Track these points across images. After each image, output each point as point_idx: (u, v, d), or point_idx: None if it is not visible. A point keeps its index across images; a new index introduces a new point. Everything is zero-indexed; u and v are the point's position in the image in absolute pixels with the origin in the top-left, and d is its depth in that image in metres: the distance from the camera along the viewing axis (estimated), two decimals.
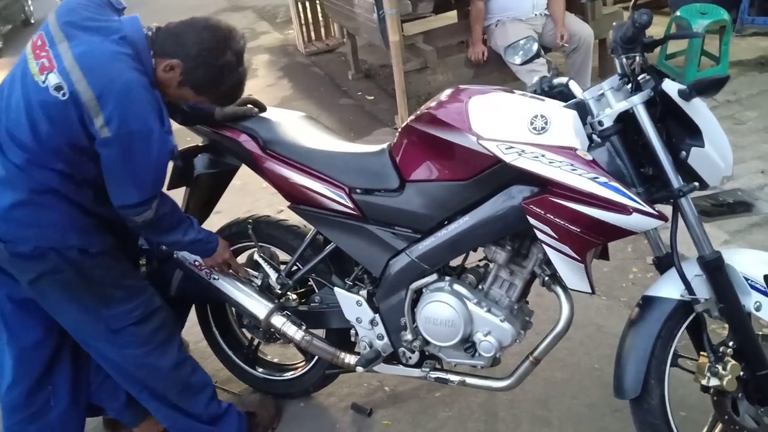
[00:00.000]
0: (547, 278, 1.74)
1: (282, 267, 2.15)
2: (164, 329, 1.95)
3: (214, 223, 2.23)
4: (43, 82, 1.59)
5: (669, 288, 1.63)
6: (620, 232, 1.52)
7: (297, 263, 2.11)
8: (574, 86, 1.65)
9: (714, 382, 1.59)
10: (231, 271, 2.09)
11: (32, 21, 11.57)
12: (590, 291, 1.63)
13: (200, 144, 2.16)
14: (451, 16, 5.17)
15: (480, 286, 1.83)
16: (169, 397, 2.00)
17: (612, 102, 1.54)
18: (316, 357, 2.22)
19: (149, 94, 1.62)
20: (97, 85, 1.55)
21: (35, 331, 1.90)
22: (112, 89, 1.56)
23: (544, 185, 1.55)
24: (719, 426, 1.71)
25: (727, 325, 1.63)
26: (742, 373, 1.61)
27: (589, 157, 1.50)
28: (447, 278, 1.83)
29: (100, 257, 1.78)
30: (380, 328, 1.96)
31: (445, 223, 1.76)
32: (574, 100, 1.62)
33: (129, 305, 1.85)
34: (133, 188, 1.68)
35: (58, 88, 1.57)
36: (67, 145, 1.62)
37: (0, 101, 1.70)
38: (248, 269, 2.16)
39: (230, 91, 1.79)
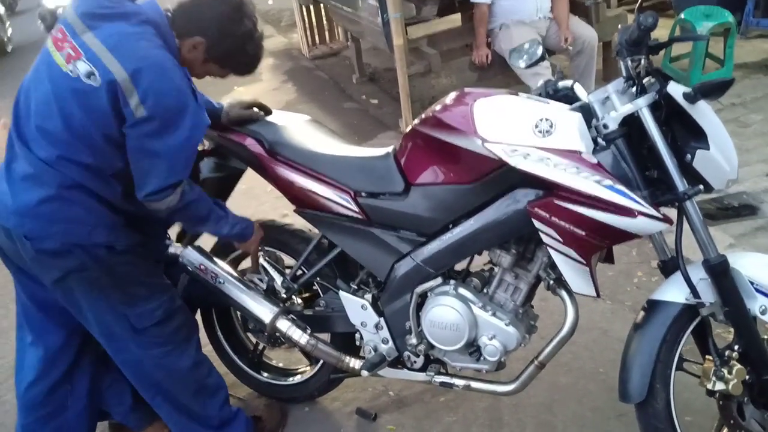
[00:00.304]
0: (552, 282, 1.73)
1: (287, 271, 2.16)
2: (184, 329, 1.95)
3: None
4: (72, 71, 1.60)
5: (674, 292, 1.63)
6: (625, 236, 1.51)
7: (302, 267, 2.11)
8: (578, 89, 1.65)
9: (719, 386, 1.59)
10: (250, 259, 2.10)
11: (9, 49, 10.08)
12: (595, 294, 1.62)
13: (206, 148, 2.16)
14: (455, 20, 5.18)
15: (485, 290, 1.83)
16: (183, 401, 2.00)
17: (617, 105, 1.54)
18: (321, 361, 2.22)
19: (180, 70, 1.64)
20: (129, 64, 1.56)
21: (59, 334, 1.91)
22: (144, 66, 1.57)
23: (549, 188, 1.55)
24: (725, 430, 1.70)
25: (732, 329, 1.62)
26: (747, 377, 1.60)
27: (594, 160, 1.50)
28: (452, 282, 1.83)
29: (126, 255, 1.78)
30: (385, 332, 1.95)
31: (450, 226, 1.76)
32: (578, 103, 1.62)
33: (152, 304, 1.85)
34: (162, 171, 1.66)
35: (89, 74, 1.58)
36: (99, 134, 1.63)
37: (25, 101, 1.71)
38: (254, 273, 2.16)
39: (253, 59, 1.80)
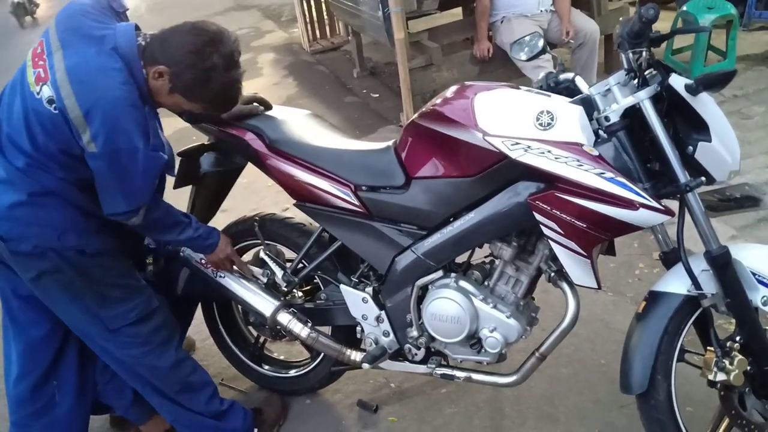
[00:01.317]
0: (553, 274, 1.73)
1: (288, 264, 2.16)
2: (163, 330, 1.96)
3: (220, 221, 2.24)
4: (38, 93, 1.61)
5: (676, 283, 1.63)
6: (627, 228, 1.51)
7: (303, 261, 2.12)
8: (580, 82, 1.65)
9: (721, 377, 1.59)
10: (235, 267, 2.09)
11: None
12: (596, 286, 1.62)
13: (206, 142, 2.16)
14: (456, 13, 5.17)
15: (486, 283, 1.83)
16: (170, 395, 2.02)
17: (618, 97, 1.54)
18: (322, 354, 2.23)
19: (136, 111, 1.62)
20: (85, 103, 1.56)
21: (42, 326, 1.92)
22: (98, 107, 1.56)
23: (550, 181, 1.54)
24: (726, 421, 1.71)
25: (734, 320, 1.62)
26: (749, 368, 1.61)
27: (596, 153, 1.50)
28: (453, 275, 1.83)
29: (99, 257, 1.79)
30: (386, 325, 1.96)
31: (451, 219, 1.76)
32: (580, 95, 1.62)
33: (127, 305, 1.86)
34: (120, 198, 1.69)
35: (50, 101, 1.59)
36: (62, 153, 1.64)
37: (1, 105, 1.73)
38: (254, 267, 2.16)
39: (220, 96, 1.73)
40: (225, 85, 1.70)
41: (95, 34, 1.64)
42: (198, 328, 2.47)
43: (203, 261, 2.08)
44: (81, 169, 1.66)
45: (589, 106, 1.58)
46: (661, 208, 1.46)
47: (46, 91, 1.59)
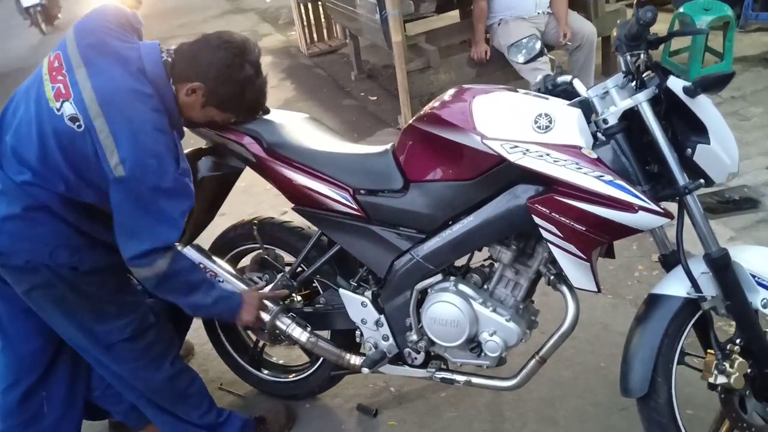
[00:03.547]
0: (552, 277, 1.73)
1: (287, 268, 2.15)
2: (158, 344, 1.93)
3: (218, 225, 2.23)
4: (58, 109, 1.57)
5: (675, 286, 1.63)
6: (626, 231, 1.51)
7: (302, 265, 2.11)
8: (578, 84, 1.64)
9: (721, 379, 1.59)
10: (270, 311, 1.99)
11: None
12: (596, 289, 1.62)
13: (204, 146, 2.15)
14: (453, 16, 5.16)
15: (485, 286, 1.83)
16: (165, 406, 2.00)
17: (616, 100, 1.54)
18: (322, 358, 2.22)
19: (166, 137, 1.61)
20: (115, 124, 1.54)
21: (34, 340, 1.89)
22: (129, 129, 1.54)
23: (549, 184, 1.54)
24: (727, 424, 1.70)
25: (734, 323, 1.62)
26: (749, 371, 1.60)
27: (594, 156, 1.50)
28: (452, 278, 1.83)
29: (92, 275, 1.76)
30: (385, 329, 1.95)
31: (450, 223, 1.76)
32: (578, 98, 1.62)
33: (121, 321, 1.83)
34: (145, 234, 1.62)
35: (74, 119, 1.56)
36: (74, 174, 1.61)
37: (6, 114, 1.69)
38: (253, 271, 2.15)
39: (253, 104, 1.79)
40: (258, 94, 1.76)
41: (120, 53, 1.61)
42: (197, 332, 2.46)
43: (201, 265, 2.07)
44: (84, 191, 1.64)
45: (587, 108, 1.58)
46: (660, 210, 1.46)
47: (69, 109, 1.56)
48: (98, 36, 1.63)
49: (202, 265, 2.07)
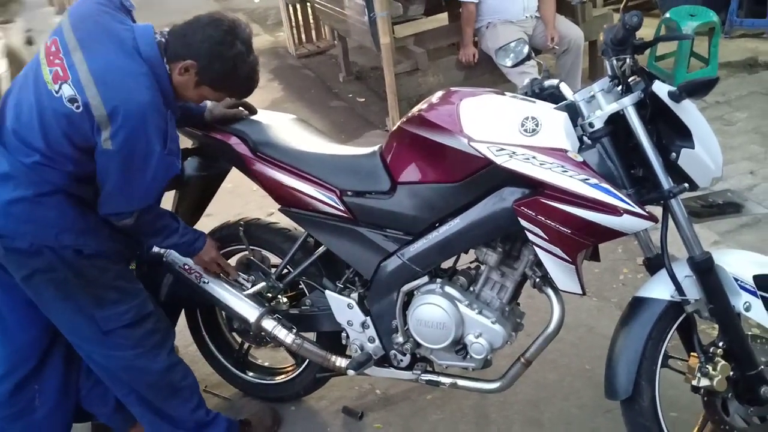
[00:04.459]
0: (538, 280, 1.74)
1: (273, 270, 2.14)
2: (156, 333, 1.93)
3: (204, 225, 2.21)
4: (57, 91, 1.60)
5: (659, 289, 1.64)
6: (611, 234, 1.52)
7: (288, 266, 2.10)
8: (564, 88, 1.65)
9: (704, 382, 1.60)
10: (221, 270, 2.08)
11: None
12: (581, 292, 1.63)
13: (190, 146, 2.14)
14: (441, 19, 5.17)
15: (471, 288, 1.83)
16: (155, 402, 1.99)
17: (602, 104, 1.55)
18: (307, 360, 2.21)
19: (159, 116, 1.63)
20: (110, 102, 1.56)
21: (29, 331, 1.89)
22: (122, 107, 1.57)
23: (535, 187, 1.55)
24: (710, 426, 1.72)
25: (717, 326, 1.63)
26: (732, 374, 1.61)
27: (580, 159, 1.51)
28: (438, 280, 1.83)
29: (96, 258, 1.78)
30: (371, 331, 1.95)
31: (437, 225, 1.76)
32: (564, 102, 1.62)
33: (121, 307, 1.84)
34: (122, 199, 1.70)
35: (72, 100, 1.58)
36: (76, 148, 1.64)
37: (7, 100, 1.71)
38: (239, 272, 2.14)
39: (246, 82, 1.79)
40: (250, 70, 1.76)
41: (115, 34, 1.65)
42: (181, 334, 2.43)
43: (187, 267, 2.07)
44: (89, 163, 1.66)
45: (573, 112, 1.58)
46: (645, 214, 1.47)
47: (67, 90, 1.58)
48: (93, 18, 1.66)
49: (186, 266, 2.06)
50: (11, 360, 1.91)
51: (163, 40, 1.69)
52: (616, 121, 1.54)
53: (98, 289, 1.80)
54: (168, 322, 2.05)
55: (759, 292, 1.55)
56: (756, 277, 1.55)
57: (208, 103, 2.00)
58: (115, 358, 1.89)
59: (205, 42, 1.67)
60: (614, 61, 1.55)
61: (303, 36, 6.67)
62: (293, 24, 6.55)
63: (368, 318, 1.94)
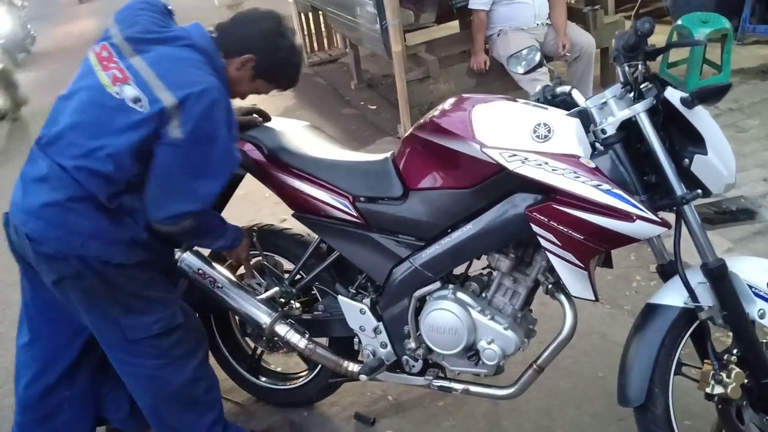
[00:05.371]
0: (550, 286, 1.73)
1: (286, 275, 2.16)
2: (183, 345, 1.89)
3: None
4: (118, 93, 1.61)
5: (672, 296, 1.63)
6: (624, 240, 1.52)
7: (301, 272, 2.11)
8: (576, 95, 1.65)
9: (718, 390, 1.59)
10: (247, 265, 2.11)
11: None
12: (594, 298, 1.63)
13: None
14: (453, 26, 5.19)
15: (483, 294, 1.83)
16: (170, 420, 1.97)
17: (615, 110, 1.55)
18: (320, 366, 2.22)
19: (225, 100, 1.66)
20: (179, 91, 1.58)
21: (62, 334, 1.90)
22: (193, 93, 1.58)
23: (547, 193, 1.55)
24: None
25: (731, 333, 1.62)
26: (746, 381, 1.60)
27: (592, 165, 1.51)
28: (450, 286, 1.83)
29: (124, 268, 1.75)
30: (384, 337, 1.95)
31: (449, 231, 1.76)
32: (576, 108, 1.62)
33: (150, 318, 1.80)
34: (183, 198, 1.67)
35: (136, 99, 1.59)
36: (129, 151, 1.62)
37: (62, 106, 1.70)
38: (250, 278, 2.16)
39: (296, 71, 1.85)
40: (300, 59, 1.83)
41: (167, 34, 1.68)
42: None
43: (201, 272, 2.08)
44: (133, 165, 1.64)
45: (585, 118, 1.58)
46: (658, 220, 1.47)
47: (130, 91, 1.60)
48: (141, 25, 1.69)
49: (201, 271, 2.08)
50: (43, 363, 1.92)
51: (214, 35, 1.73)
52: (629, 127, 1.54)
53: (125, 298, 1.78)
54: (201, 332, 2.03)
55: None
56: None
57: None
58: (139, 366, 1.87)
59: (260, 36, 1.72)
60: (626, 68, 1.55)
61: (315, 44, 6.72)
62: (305, 32, 6.60)
63: (380, 323, 1.94)
